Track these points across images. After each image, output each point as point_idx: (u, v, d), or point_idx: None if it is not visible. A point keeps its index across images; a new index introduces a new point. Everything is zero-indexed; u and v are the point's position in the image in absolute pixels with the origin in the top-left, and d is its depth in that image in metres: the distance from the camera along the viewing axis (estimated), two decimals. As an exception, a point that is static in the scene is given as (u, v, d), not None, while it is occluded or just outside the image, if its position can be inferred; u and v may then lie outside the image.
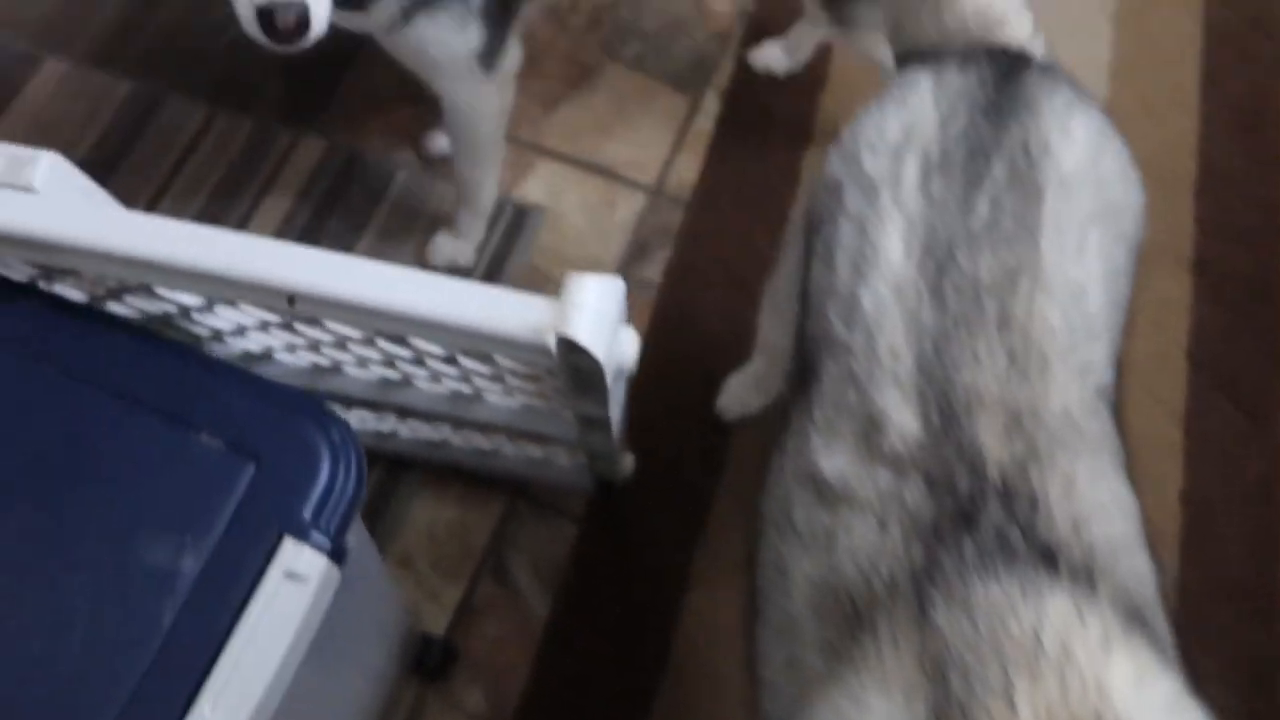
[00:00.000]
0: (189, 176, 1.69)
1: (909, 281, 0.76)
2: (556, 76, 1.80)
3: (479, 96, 1.38)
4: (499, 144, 1.51)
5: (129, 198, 1.65)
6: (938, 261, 0.76)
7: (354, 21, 1.21)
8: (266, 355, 1.13)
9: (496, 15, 1.26)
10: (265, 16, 0.97)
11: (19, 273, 0.89)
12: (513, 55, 1.37)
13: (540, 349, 0.71)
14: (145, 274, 0.75)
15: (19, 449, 0.76)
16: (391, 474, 1.46)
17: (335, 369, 1.15)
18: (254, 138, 1.73)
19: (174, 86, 1.77)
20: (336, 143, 1.73)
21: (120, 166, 1.70)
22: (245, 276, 0.70)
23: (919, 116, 0.84)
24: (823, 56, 1.79)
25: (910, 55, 0.99)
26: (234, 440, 0.75)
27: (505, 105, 1.44)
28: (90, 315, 0.87)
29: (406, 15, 1.20)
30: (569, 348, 0.71)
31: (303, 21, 0.97)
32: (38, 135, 1.72)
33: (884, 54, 1.53)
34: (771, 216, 1.69)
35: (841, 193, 0.83)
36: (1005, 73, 0.87)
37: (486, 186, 1.55)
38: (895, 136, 0.83)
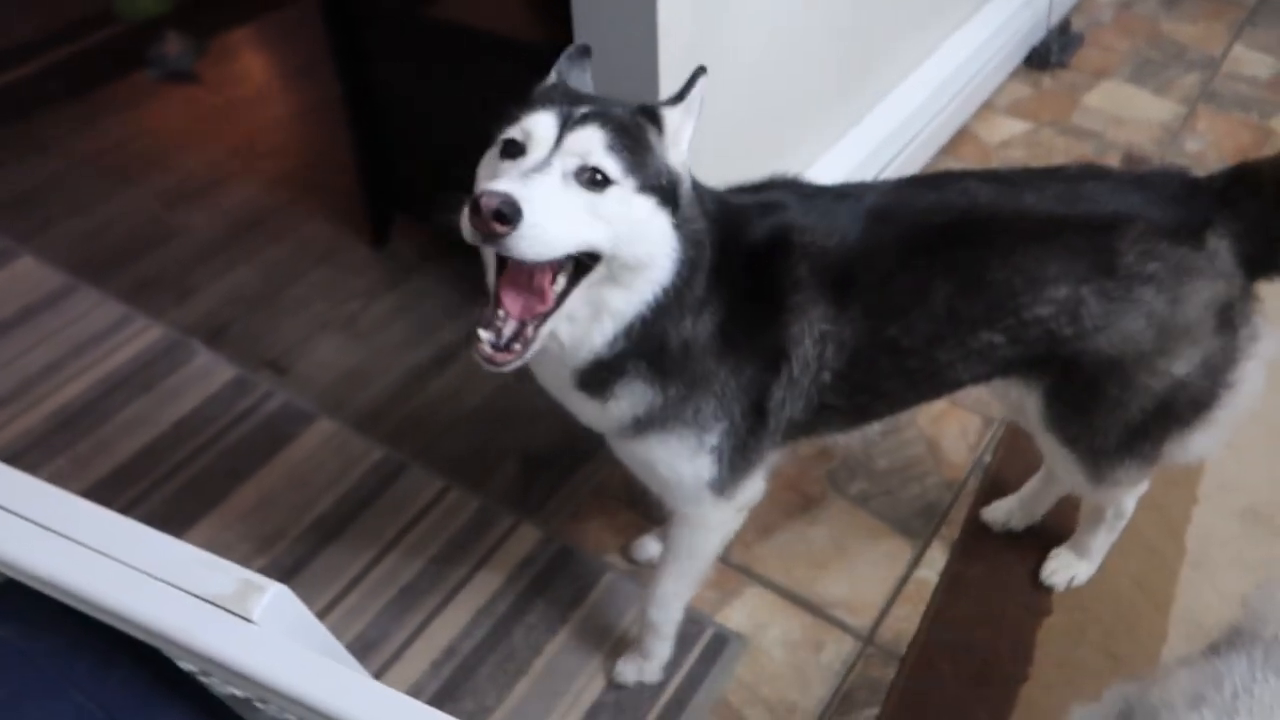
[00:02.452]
0: (411, 543, 1.75)
1: None
2: (777, 502, 1.78)
3: (709, 515, 1.34)
4: (709, 564, 1.44)
5: (354, 554, 1.73)
6: None
7: (588, 412, 1.23)
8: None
9: (733, 458, 1.24)
10: (474, 202, 0.94)
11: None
12: (754, 488, 1.33)
13: None
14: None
15: None
16: None
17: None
18: (478, 517, 1.79)
19: (418, 458, 1.90)
20: (553, 534, 1.75)
21: (354, 523, 1.79)
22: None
23: None
24: (1069, 514, 1.68)
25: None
26: None
27: (735, 528, 1.40)
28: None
29: (639, 428, 1.21)
30: None
31: (505, 213, 0.92)
32: (292, 483, 1.86)
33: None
34: (996, 695, 1.51)
35: None
36: None
37: (676, 606, 1.47)
38: None
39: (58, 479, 1.89)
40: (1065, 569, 1.63)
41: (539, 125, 1.02)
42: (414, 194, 2.30)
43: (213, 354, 2.13)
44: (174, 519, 1.80)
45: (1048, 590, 1.63)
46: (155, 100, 3.01)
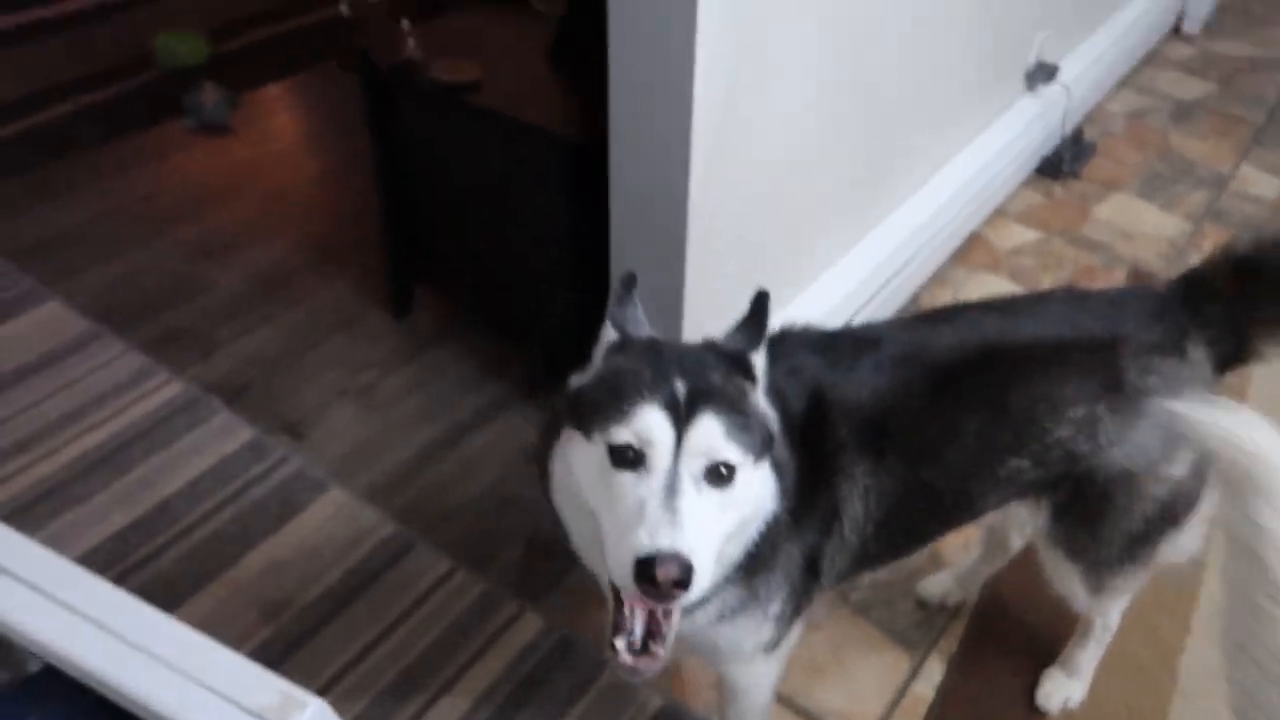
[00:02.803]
0: (413, 626, 1.77)
1: None
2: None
3: (758, 674, 1.36)
4: (769, 709, 1.46)
5: (360, 630, 1.75)
6: None
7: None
8: None
9: (792, 616, 1.27)
10: (644, 566, 0.89)
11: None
12: (795, 635, 1.36)
13: None
14: None
15: None
16: None
17: None
18: (482, 601, 1.81)
19: (427, 534, 1.93)
20: (555, 622, 1.77)
21: (361, 598, 1.81)
22: None
23: None
24: (1065, 628, 1.71)
25: None
26: None
27: (781, 674, 1.41)
28: None
29: (719, 619, 1.20)
30: None
31: (684, 579, 0.89)
32: (302, 554, 1.88)
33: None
34: (988, 818, 1.52)
35: None
36: None
37: None
38: None
39: (71, 530, 1.92)
40: (1059, 690, 1.66)
41: (653, 430, 0.96)
42: (437, 266, 2.36)
43: (231, 414, 2.17)
44: (184, 579, 1.82)
45: (1043, 713, 1.65)
46: (187, 150, 3.09)
